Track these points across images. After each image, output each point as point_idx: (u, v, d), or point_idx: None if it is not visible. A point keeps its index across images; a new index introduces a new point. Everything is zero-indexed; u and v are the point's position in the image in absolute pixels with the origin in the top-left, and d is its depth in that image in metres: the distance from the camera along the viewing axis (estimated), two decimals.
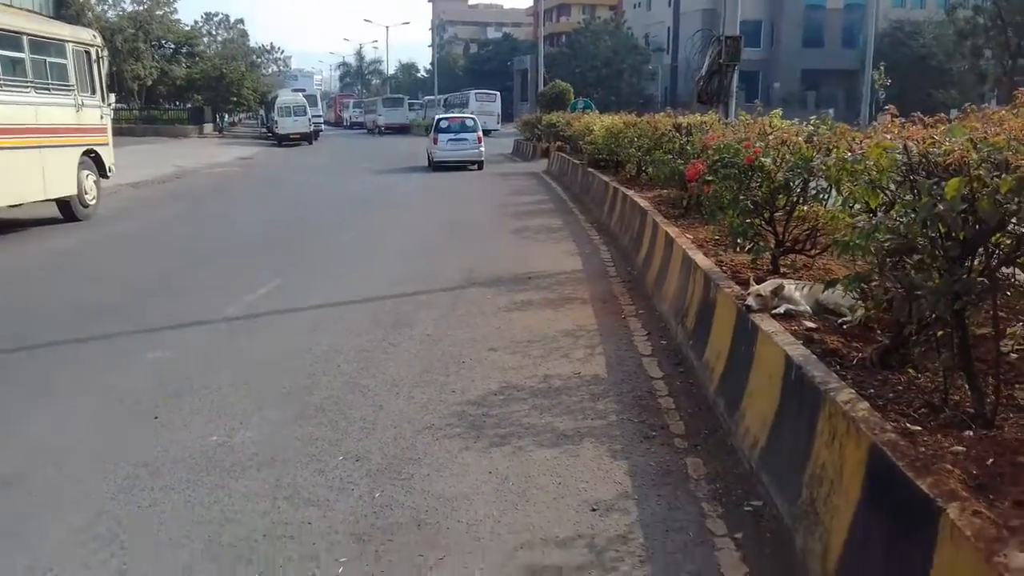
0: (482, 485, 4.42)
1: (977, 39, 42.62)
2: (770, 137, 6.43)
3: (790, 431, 4.10)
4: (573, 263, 10.95)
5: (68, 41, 14.65)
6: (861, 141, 4.21)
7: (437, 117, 31.11)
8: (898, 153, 3.49)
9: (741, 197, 6.27)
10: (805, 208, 6.23)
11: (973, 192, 3.04)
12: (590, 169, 18.01)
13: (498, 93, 62.48)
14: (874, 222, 3.44)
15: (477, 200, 18.86)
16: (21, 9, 20.16)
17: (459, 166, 27.74)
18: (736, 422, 4.88)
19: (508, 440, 5.01)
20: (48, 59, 13.97)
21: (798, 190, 6.17)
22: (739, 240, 6.51)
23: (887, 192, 3.76)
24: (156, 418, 5.38)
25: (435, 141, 27.91)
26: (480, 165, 28.04)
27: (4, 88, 12.77)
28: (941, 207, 3.04)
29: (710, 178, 6.81)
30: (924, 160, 3.30)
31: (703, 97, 12.76)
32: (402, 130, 61.16)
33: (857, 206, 4.31)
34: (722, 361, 5.55)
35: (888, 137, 3.69)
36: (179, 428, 5.21)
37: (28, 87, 13.34)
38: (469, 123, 28.90)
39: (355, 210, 17.18)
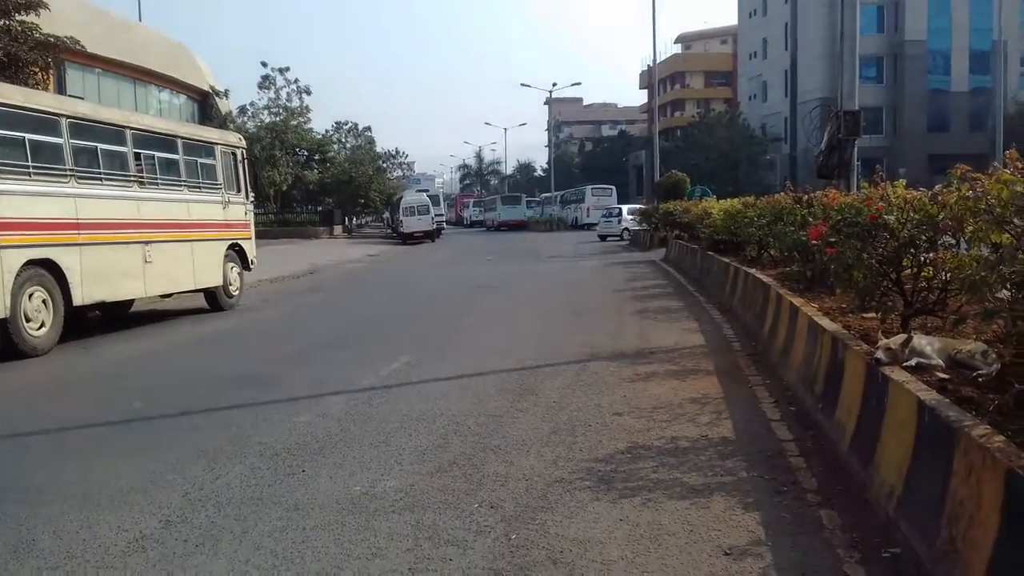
0: (614, 531, 4.52)
1: None
2: (893, 197, 6.46)
3: (926, 475, 4.06)
4: (695, 339, 10.98)
5: (217, 144, 16.02)
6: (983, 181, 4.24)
7: (402, 205, 48.68)
8: (1019, 186, 3.54)
9: (865, 256, 6.28)
10: (931, 266, 6.16)
11: None
12: (709, 252, 18.05)
13: (613, 188, 63.41)
14: (999, 253, 3.49)
15: (596, 286, 19.15)
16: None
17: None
18: (870, 475, 4.83)
19: (638, 493, 5.10)
20: (199, 160, 15.28)
21: (924, 247, 6.14)
22: (866, 300, 6.47)
23: (1013, 225, 3.77)
24: (303, 471, 5.73)
25: (402, 221, 47.16)
26: (432, 237, 47.19)
27: (161, 187, 14.04)
28: None
29: (833, 239, 6.85)
30: None
31: (823, 172, 12.78)
32: (520, 227, 62.70)
33: (983, 246, 4.31)
34: (853, 418, 5.50)
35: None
36: (325, 479, 5.54)
37: (182, 185, 14.60)
38: (424, 209, 47.83)
39: (478, 296, 17.72)
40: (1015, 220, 3.68)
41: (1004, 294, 4.22)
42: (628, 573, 4.02)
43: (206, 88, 41.08)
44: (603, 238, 43.55)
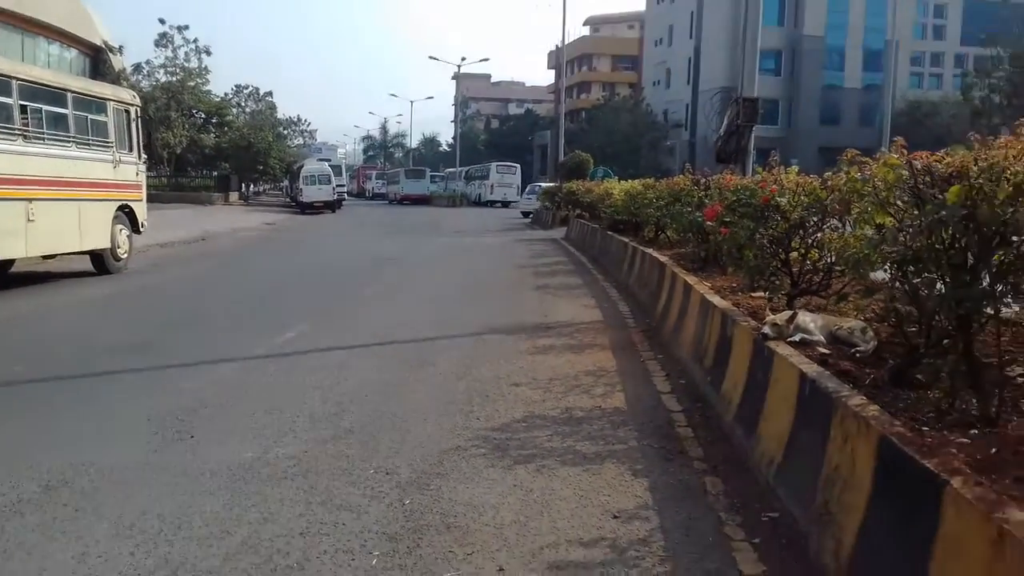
0: (508, 495, 4.59)
1: (992, 118, 43.26)
2: (786, 181, 6.71)
3: (805, 443, 4.27)
4: (592, 315, 11.19)
5: (109, 100, 15.28)
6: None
7: (303, 174, 46.94)
8: (904, 170, 3.74)
9: (757, 236, 6.52)
10: (817, 248, 6.45)
11: (974, 200, 3.28)
12: (609, 232, 18.36)
13: (518, 166, 63.69)
14: (882, 233, 3.68)
15: (498, 262, 19.24)
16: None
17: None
18: (753, 445, 5.04)
19: (532, 460, 5.19)
20: (89, 116, 14.55)
21: (812, 229, 6.42)
22: (756, 280, 6.72)
23: (896, 207, 3.98)
24: (192, 437, 5.59)
25: (302, 190, 45.51)
26: (332, 208, 46.14)
27: (48, 142, 13.35)
28: (943, 213, 3.28)
29: (727, 219, 7.08)
30: (928, 173, 3.55)
31: (721, 156, 13.18)
32: (423, 201, 62.33)
33: (867, 227, 4.52)
34: (739, 391, 5.72)
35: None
36: (215, 445, 5.42)
37: (70, 142, 13.91)
38: (325, 178, 46.19)
39: (378, 268, 17.54)
40: (898, 203, 3.89)
41: (882, 275, 4.46)
42: (520, 536, 4.09)
43: (99, 43, 39.23)
44: (526, 215, 42.30)
